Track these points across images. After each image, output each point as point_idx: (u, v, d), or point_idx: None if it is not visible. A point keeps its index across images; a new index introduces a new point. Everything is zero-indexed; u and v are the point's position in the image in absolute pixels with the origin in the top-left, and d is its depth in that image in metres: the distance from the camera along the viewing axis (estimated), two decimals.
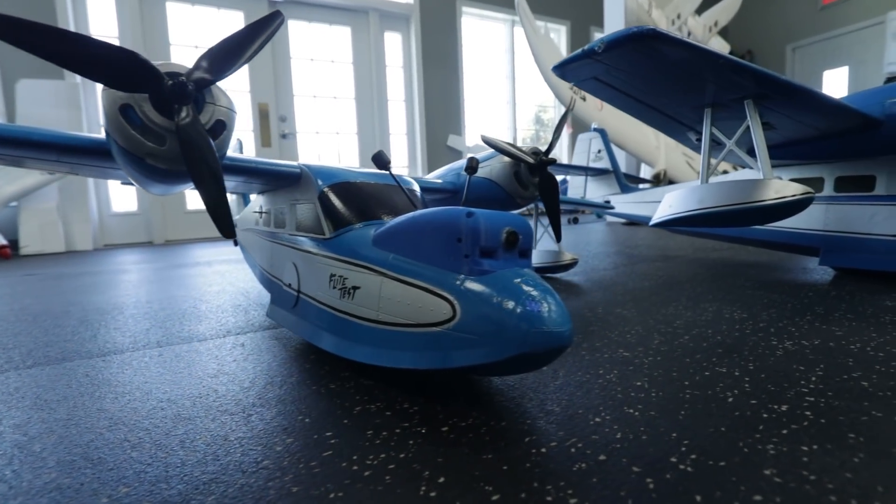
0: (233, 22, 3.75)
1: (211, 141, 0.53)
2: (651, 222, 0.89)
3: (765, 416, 0.47)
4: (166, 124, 0.51)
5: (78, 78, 3.18)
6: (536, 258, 1.32)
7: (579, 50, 0.65)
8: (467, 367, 0.49)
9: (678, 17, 2.88)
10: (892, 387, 0.52)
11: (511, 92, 5.27)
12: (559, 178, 4.40)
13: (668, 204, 0.85)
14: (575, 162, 1.93)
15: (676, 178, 2.85)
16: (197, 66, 0.52)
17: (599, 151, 1.81)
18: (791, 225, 1.15)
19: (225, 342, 0.82)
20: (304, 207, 0.75)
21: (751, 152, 1.08)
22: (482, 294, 0.49)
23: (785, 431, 0.44)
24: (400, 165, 4.65)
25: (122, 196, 3.51)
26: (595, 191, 1.81)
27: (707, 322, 0.81)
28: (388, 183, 0.74)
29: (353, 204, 0.69)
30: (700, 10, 3.17)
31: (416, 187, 0.82)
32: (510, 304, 0.47)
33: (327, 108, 4.26)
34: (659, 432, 0.45)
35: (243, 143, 3.90)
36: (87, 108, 3.21)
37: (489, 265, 0.51)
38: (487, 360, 0.47)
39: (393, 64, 4.56)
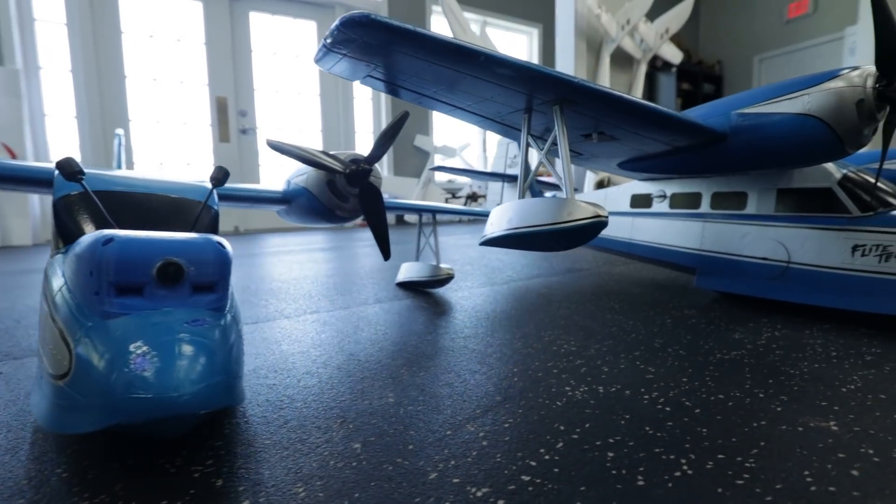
0: (190, 9, 3.58)
1: None
2: (479, 242, 0.78)
3: None
4: None
5: (19, 63, 3.00)
6: (412, 272, 1.21)
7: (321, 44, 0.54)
8: (82, 433, 0.38)
9: (627, 22, 2.78)
10: (635, 462, 0.42)
11: None
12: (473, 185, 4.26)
13: (490, 221, 0.75)
14: (493, 167, 1.82)
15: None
16: None
17: (515, 156, 1.71)
18: (669, 242, 1.05)
19: None
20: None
21: (640, 165, 0.98)
22: (97, 345, 0.37)
23: None
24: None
25: None
26: (512, 197, 1.71)
27: (526, 356, 0.70)
28: (163, 193, 0.62)
29: (86, 217, 0.57)
30: (652, 17, 3.07)
31: (210, 197, 0.70)
32: (117, 361, 0.36)
33: (290, 103, 4.11)
34: None
35: (200, 136, 3.75)
36: (29, 97, 3.04)
37: (132, 305, 0.40)
38: (88, 429, 0.36)
39: None
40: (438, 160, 4.81)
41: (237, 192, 0.82)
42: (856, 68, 0.67)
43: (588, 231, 0.58)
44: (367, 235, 3.04)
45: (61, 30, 3.19)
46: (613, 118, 0.69)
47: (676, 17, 3.11)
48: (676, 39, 4.75)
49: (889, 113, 0.66)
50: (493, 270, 1.49)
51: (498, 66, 0.55)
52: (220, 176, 0.56)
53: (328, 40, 0.51)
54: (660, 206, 1.08)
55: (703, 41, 5.91)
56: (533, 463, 0.42)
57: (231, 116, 3.87)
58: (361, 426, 0.50)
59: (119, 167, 1.48)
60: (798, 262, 0.85)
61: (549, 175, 3.46)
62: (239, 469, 0.42)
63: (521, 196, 0.71)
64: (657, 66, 4.99)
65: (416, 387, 0.60)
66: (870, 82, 0.65)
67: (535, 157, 0.75)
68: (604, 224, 0.58)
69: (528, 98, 0.65)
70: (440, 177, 4.81)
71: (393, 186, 4.45)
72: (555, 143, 0.85)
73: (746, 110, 0.74)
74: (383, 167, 4.57)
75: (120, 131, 1.52)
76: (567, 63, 2.86)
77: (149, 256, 0.40)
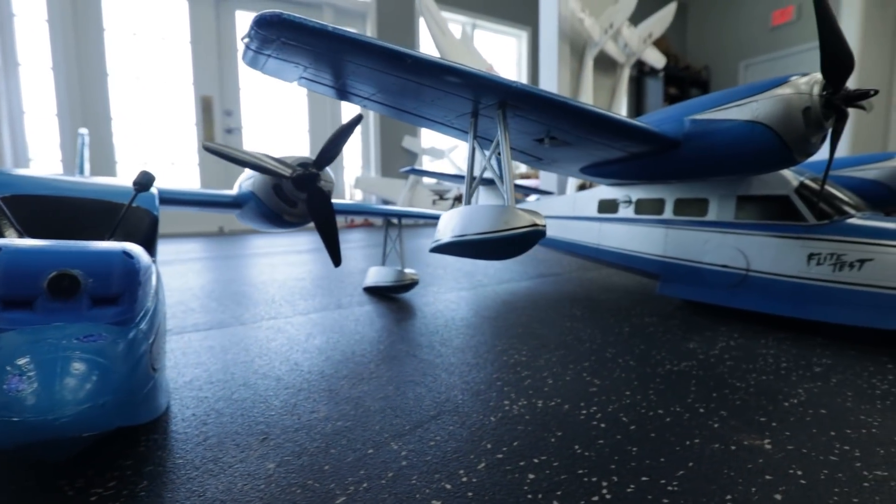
0: (175, 7, 3.52)
1: None
2: (429, 249, 0.76)
3: None
4: None
5: None
6: (378, 277, 1.18)
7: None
8: None
9: (610, 26, 2.77)
10: (554, 485, 0.40)
11: None
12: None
13: (439, 227, 0.72)
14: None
15: None
16: None
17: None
18: (634, 248, 1.04)
19: None
20: None
21: (609, 173, 0.96)
22: None
23: None
24: (356, 165, 4.48)
25: None
26: (485, 200, 1.69)
27: (474, 367, 0.68)
28: (84, 197, 0.59)
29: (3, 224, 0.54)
30: (635, 22, 3.07)
31: (140, 200, 0.67)
32: None
33: (277, 103, 4.06)
34: None
35: (184, 136, 3.69)
36: (7, 94, 2.98)
37: (19, 319, 0.37)
38: None
39: None
40: (426, 162, 4.78)
41: (184, 195, 0.79)
42: (805, 75, 0.66)
43: (524, 240, 0.56)
44: (354, 237, 3.01)
45: (42, 26, 3.13)
46: (563, 123, 0.68)
47: (659, 22, 3.11)
48: (665, 44, 4.76)
49: (836, 121, 0.65)
50: (464, 275, 1.47)
51: (429, 69, 0.53)
52: (143, 181, 0.54)
53: (246, 40, 0.49)
54: (626, 211, 1.07)
55: (690, 46, 5.95)
56: (448, 486, 0.40)
57: (216, 116, 3.82)
58: (283, 443, 0.47)
59: (82, 168, 1.45)
60: (757, 270, 0.84)
61: (535, 177, 3.44)
62: (140, 492, 0.40)
63: (468, 202, 0.69)
64: (645, 70, 5.01)
65: (351, 400, 0.57)
66: (816, 90, 0.64)
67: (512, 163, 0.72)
68: (540, 233, 0.56)
69: (470, 102, 0.63)
70: (428, 178, 4.78)
71: (380, 188, 4.42)
72: (514, 150, 0.83)
73: (698, 116, 0.72)
74: (371, 168, 4.54)
75: (83, 131, 1.48)
76: (550, 67, 2.85)
77: (39, 268, 0.38)
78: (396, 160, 4.56)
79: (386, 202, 4.37)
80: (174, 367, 0.69)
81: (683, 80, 5.50)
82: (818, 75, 0.65)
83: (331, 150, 0.74)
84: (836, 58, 0.62)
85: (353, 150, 4.52)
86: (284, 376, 0.65)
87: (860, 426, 0.49)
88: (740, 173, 0.79)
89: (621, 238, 1.07)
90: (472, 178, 0.71)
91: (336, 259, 0.78)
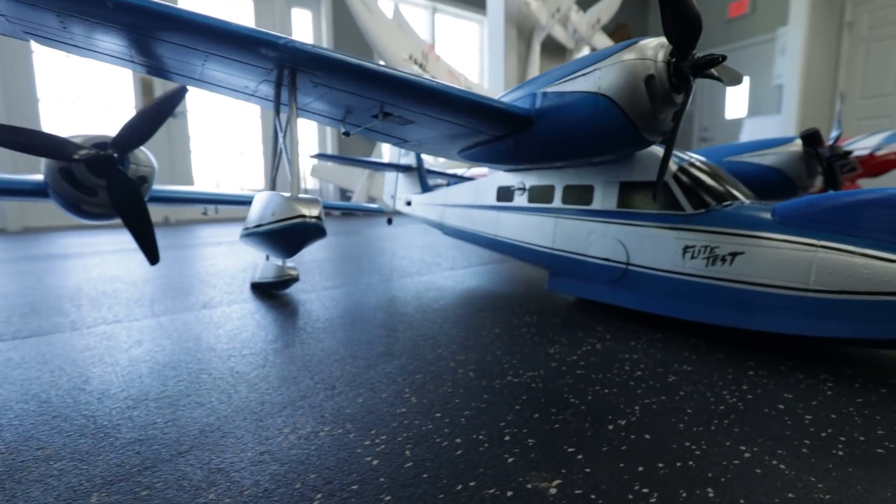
0: None
1: None
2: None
3: None
4: None
5: None
6: (260, 272, 1.07)
7: None
8: None
9: (557, 10, 2.67)
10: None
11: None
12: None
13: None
14: (390, 157, 1.69)
15: None
16: None
17: None
18: (527, 239, 0.95)
19: None
20: None
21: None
22: None
23: None
24: (313, 153, 4.29)
25: None
26: (406, 188, 1.59)
27: (289, 381, 0.58)
28: None
29: None
30: (585, 8, 2.97)
31: None
32: None
33: None
34: None
35: (123, 119, 3.44)
36: None
37: None
38: None
39: None
40: (386, 150, 4.62)
41: None
42: (654, 39, 0.56)
43: (293, 233, 0.46)
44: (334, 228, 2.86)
45: None
46: (391, 97, 0.57)
47: (607, 8, 3.02)
48: (626, 33, 4.67)
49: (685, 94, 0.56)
50: (376, 268, 1.36)
51: (145, 15, 0.41)
52: None
53: None
54: (520, 199, 0.97)
55: (651, 34, 5.90)
56: None
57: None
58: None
59: None
60: (635, 264, 0.76)
61: (477, 168, 3.33)
62: None
63: (270, 186, 0.58)
64: None
65: (102, 430, 0.46)
66: (661, 56, 0.55)
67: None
68: (310, 226, 0.45)
69: (260, 69, 0.52)
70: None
71: (338, 177, 4.26)
72: (360, 127, 0.72)
73: (549, 89, 0.63)
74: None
75: None
76: (497, 50, 2.74)
77: None
78: (354, 147, 4.40)
79: (344, 191, 4.22)
80: None
81: None
82: (665, 39, 0.56)
83: (137, 129, 0.62)
84: (680, 17, 0.52)
85: (308, 137, 4.34)
86: (54, 399, 0.54)
87: (678, 457, 0.41)
88: (593, 154, 0.69)
89: (516, 228, 0.98)
90: (277, 157, 0.60)
91: (151, 255, 0.66)
